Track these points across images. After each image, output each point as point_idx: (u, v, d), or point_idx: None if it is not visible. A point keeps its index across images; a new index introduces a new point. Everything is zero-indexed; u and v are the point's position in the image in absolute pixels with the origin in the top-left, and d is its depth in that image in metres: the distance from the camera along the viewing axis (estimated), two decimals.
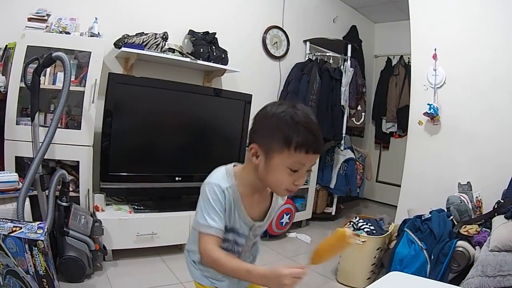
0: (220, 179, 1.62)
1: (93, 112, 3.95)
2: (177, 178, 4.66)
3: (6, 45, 3.75)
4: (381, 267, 4.11)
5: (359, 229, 4.13)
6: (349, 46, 6.44)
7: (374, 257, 4.01)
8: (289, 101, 1.65)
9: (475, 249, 3.44)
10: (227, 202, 1.60)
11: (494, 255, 3.13)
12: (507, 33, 4.09)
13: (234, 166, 1.71)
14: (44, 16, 3.80)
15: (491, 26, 4.20)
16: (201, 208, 1.60)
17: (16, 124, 3.63)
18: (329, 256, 1.51)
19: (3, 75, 3.61)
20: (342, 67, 6.28)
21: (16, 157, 3.63)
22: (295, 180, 1.53)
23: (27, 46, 3.57)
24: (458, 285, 2.98)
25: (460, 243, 3.49)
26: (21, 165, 3.67)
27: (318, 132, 1.52)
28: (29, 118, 3.50)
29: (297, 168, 1.50)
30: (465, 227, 3.69)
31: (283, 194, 1.65)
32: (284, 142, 1.46)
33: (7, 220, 2.71)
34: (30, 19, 3.75)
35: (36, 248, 2.60)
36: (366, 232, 4.05)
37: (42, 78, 3.60)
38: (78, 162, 3.97)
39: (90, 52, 3.88)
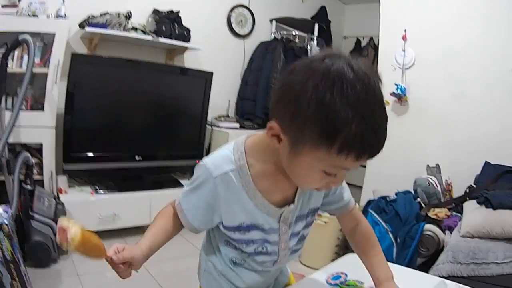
0: (220, 160, 1.21)
1: (55, 93, 4.02)
2: (137, 158, 4.75)
3: None
4: (346, 249, 4.02)
5: None
6: (316, 26, 6.56)
7: (338, 238, 4.07)
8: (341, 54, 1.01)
9: (445, 234, 3.49)
10: (222, 196, 1.20)
11: (466, 241, 3.15)
12: (483, 18, 4.19)
13: (248, 137, 1.26)
14: (15, 2, 3.86)
15: (467, 11, 4.29)
16: (187, 186, 1.28)
17: None
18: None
19: None
20: (308, 46, 6.39)
21: None
22: (331, 182, 1.12)
23: None
24: (427, 271, 3.05)
25: (428, 226, 3.52)
26: None
27: (383, 125, 1.06)
28: None
29: (336, 172, 1.07)
30: (433, 211, 3.74)
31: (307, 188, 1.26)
32: (323, 136, 0.96)
33: None
34: (3, 6, 3.81)
35: (1, 232, 2.60)
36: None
37: (10, 62, 3.67)
38: (41, 144, 4.04)
39: (55, 34, 3.92)
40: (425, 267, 3.30)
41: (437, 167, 4.22)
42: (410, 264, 3.45)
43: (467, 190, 3.88)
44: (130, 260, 1.17)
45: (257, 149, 1.21)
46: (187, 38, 5.13)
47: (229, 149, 1.23)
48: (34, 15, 3.92)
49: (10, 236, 2.64)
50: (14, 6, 3.85)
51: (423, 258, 3.52)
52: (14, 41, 3.44)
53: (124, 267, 1.17)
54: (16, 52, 3.80)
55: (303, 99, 0.95)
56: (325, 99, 0.92)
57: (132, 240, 4.27)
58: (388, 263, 1.52)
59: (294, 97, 0.98)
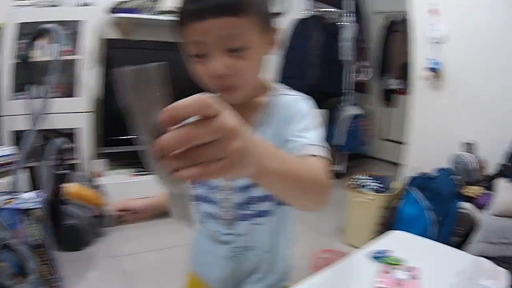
0: None
1: (90, 78, 3.94)
2: None
3: None
4: (387, 228, 3.89)
5: (363, 186, 3.96)
6: (349, 2, 6.22)
7: (379, 216, 3.86)
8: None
9: (479, 212, 3.30)
10: None
11: (497, 220, 3.03)
12: None
13: None
14: None
15: None
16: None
17: (12, 100, 3.64)
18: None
19: None
20: (342, 22, 6.13)
21: (14, 131, 3.63)
22: (207, 68, 1.05)
23: (18, 23, 3.56)
24: (461, 249, 2.91)
25: (463, 204, 3.34)
26: (20, 138, 3.61)
27: None
28: (25, 93, 3.49)
29: (197, 50, 1.06)
30: (468, 188, 3.53)
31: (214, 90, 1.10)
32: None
33: (3, 193, 2.67)
34: None
35: (32, 217, 2.55)
36: (373, 189, 3.89)
37: (36, 51, 3.60)
38: (76, 129, 3.97)
39: (83, 21, 3.85)
40: (460, 246, 3.14)
41: (472, 144, 3.96)
42: (447, 243, 3.22)
43: (501, 168, 3.64)
44: (126, 208, 1.43)
45: None
46: None
47: None
48: (54, 5, 3.85)
49: (41, 220, 2.58)
50: None
51: (459, 236, 3.32)
52: (37, 31, 3.33)
53: (124, 213, 1.43)
54: (42, 42, 3.72)
55: None
56: None
57: (170, 220, 4.14)
58: (424, 238, 1.67)
59: None
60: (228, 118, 0.56)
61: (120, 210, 1.43)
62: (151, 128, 0.52)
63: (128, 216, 1.44)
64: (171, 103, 0.52)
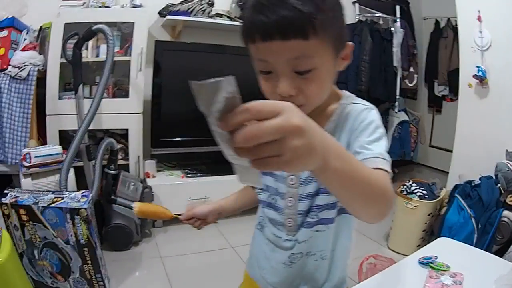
0: None
1: (141, 80, 3.92)
2: None
3: (41, 26, 3.76)
4: (431, 234, 3.90)
5: (411, 193, 3.93)
6: (398, 7, 6.14)
7: (425, 223, 3.83)
8: None
9: None
10: None
11: None
12: None
13: None
14: None
15: None
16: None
17: (59, 99, 3.65)
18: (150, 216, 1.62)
19: (40, 55, 3.58)
20: (392, 28, 6.02)
21: (60, 130, 3.64)
22: (275, 87, 1.00)
23: (65, 23, 3.55)
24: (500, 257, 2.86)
25: (506, 213, 3.25)
26: (66, 138, 3.65)
27: (269, 5, 0.91)
28: (72, 92, 3.49)
29: (264, 68, 1.01)
30: (511, 197, 3.42)
31: None
32: (242, 36, 1.03)
33: (48, 192, 2.66)
34: None
35: (78, 217, 2.53)
36: (419, 196, 3.85)
37: (84, 51, 3.61)
38: (127, 130, 3.95)
39: (134, 23, 3.83)
40: (499, 254, 2.99)
41: None
42: (487, 250, 3.07)
43: None
44: (193, 216, 1.45)
45: None
46: None
47: None
48: (105, 6, 3.86)
49: (88, 220, 2.56)
50: None
51: (499, 245, 3.25)
52: (87, 31, 3.30)
53: (191, 222, 1.46)
54: (90, 42, 3.75)
55: None
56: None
57: (221, 223, 4.11)
58: (471, 246, 1.66)
59: None
60: (294, 116, 0.59)
61: (187, 219, 1.46)
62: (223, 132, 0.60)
63: (196, 223, 1.47)
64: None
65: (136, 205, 1.48)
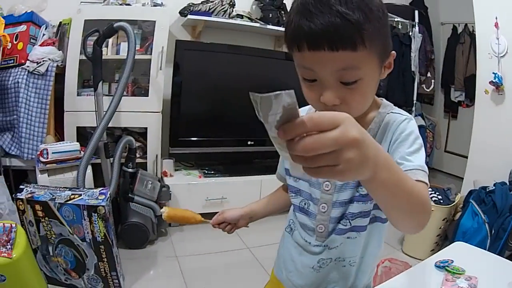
0: None
1: (161, 79, 3.88)
2: (249, 142, 4.53)
3: (60, 22, 3.74)
4: (445, 239, 3.90)
5: None
6: (416, 12, 6.09)
7: (440, 228, 3.81)
8: None
9: None
10: None
11: None
12: None
13: None
14: None
15: None
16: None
17: (77, 96, 3.62)
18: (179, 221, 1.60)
19: (59, 50, 3.54)
20: (410, 32, 5.95)
21: (78, 127, 3.62)
22: (320, 95, 0.97)
23: (85, 20, 3.53)
24: None
25: None
26: (83, 135, 3.63)
27: (317, 13, 0.86)
28: (91, 89, 3.47)
29: (309, 75, 0.97)
30: None
31: None
32: (286, 42, 0.99)
33: (65, 189, 2.63)
34: None
35: (96, 214, 2.50)
36: (434, 201, 3.82)
37: (104, 49, 3.57)
38: (146, 128, 3.91)
39: (155, 21, 3.79)
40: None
41: None
42: (499, 255, 3.13)
43: None
44: (224, 220, 1.45)
45: None
46: None
47: None
48: (126, 4, 3.83)
49: (105, 218, 2.53)
50: None
51: (511, 250, 3.25)
52: (108, 28, 3.26)
53: (222, 226, 1.46)
54: (111, 40, 3.73)
55: None
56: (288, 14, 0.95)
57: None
58: (485, 251, 1.72)
59: None
60: (352, 129, 0.60)
61: (218, 224, 1.46)
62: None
63: (226, 228, 1.47)
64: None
65: (165, 210, 1.49)
